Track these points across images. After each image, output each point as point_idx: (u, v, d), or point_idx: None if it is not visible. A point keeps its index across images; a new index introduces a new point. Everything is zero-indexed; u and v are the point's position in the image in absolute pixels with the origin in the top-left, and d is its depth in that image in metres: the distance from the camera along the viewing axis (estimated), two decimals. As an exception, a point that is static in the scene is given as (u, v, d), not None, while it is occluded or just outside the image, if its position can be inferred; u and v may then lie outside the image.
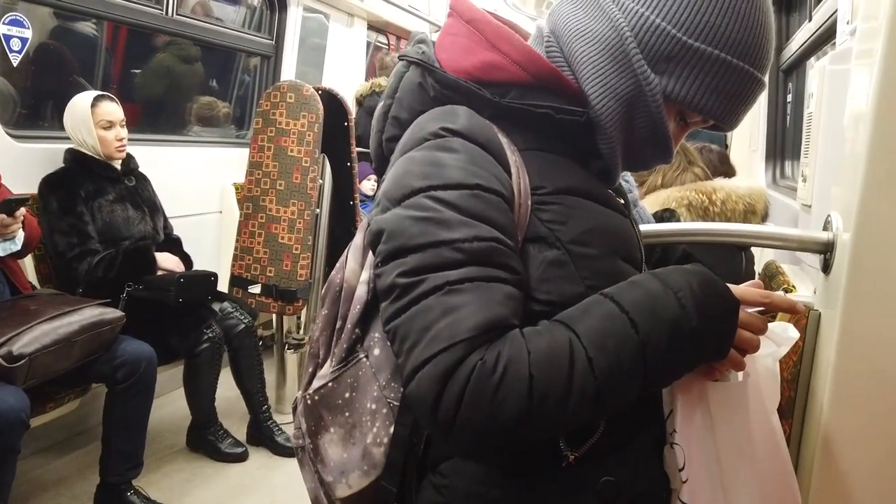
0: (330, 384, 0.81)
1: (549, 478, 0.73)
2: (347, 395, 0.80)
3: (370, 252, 0.78)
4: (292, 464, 2.70)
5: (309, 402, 0.83)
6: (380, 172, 0.82)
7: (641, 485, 0.77)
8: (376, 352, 0.78)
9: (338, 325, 0.82)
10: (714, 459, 0.77)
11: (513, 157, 0.72)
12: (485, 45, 0.74)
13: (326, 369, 0.82)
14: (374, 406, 0.78)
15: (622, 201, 0.84)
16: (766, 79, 0.76)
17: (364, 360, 0.79)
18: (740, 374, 0.76)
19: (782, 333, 0.77)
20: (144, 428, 2.28)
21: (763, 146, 3.13)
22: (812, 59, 2.54)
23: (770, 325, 0.77)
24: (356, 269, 0.82)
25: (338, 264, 0.85)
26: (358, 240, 0.83)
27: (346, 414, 0.80)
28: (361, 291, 0.79)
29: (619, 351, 0.62)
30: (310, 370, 0.86)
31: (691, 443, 0.76)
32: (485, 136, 0.70)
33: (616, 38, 0.72)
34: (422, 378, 0.60)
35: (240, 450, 2.70)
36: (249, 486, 2.54)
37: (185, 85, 3.65)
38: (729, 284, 0.71)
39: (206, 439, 2.69)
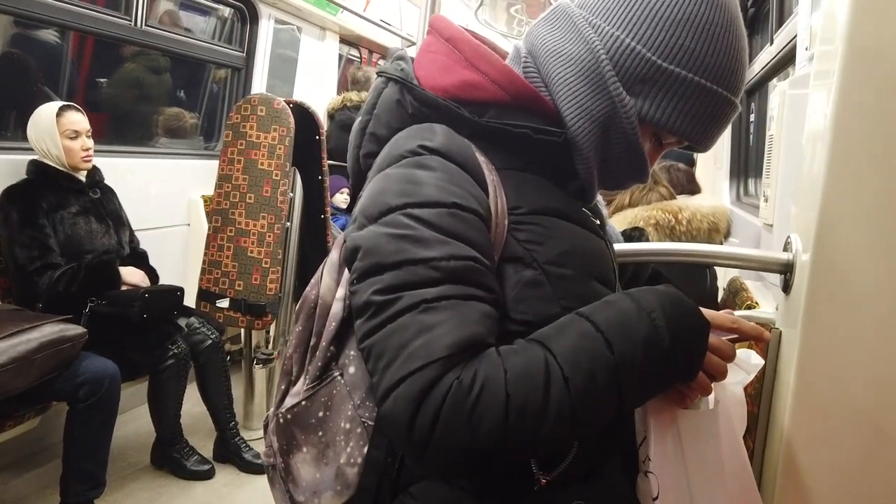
0: (303, 403, 0.80)
1: (520, 501, 0.73)
2: (321, 414, 0.79)
3: (346, 269, 0.78)
4: (260, 481, 2.66)
5: (281, 420, 0.82)
6: (357, 188, 0.82)
7: None
8: (351, 370, 0.77)
9: (312, 343, 0.81)
10: (684, 486, 0.78)
11: (490, 177, 0.72)
12: (463, 64, 0.75)
13: (300, 387, 0.81)
14: (348, 426, 0.77)
15: (598, 222, 0.85)
16: (739, 102, 0.78)
17: (339, 378, 0.78)
18: (711, 401, 0.77)
19: (748, 360, 0.79)
20: (107, 447, 2.22)
21: (727, 164, 3.20)
22: (774, 81, 2.62)
23: (737, 353, 0.79)
24: (332, 285, 0.81)
25: (312, 280, 0.85)
26: (334, 256, 0.83)
27: (320, 433, 0.79)
28: (337, 308, 0.79)
29: (594, 370, 0.62)
30: (282, 388, 0.85)
31: (664, 470, 0.77)
32: (462, 154, 0.71)
33: (592, 60, 0.73)
34: (397, 397, 0.60)
35: (206, 467, 2.65)
36: (216, 503, 2.48)
37: (153, 96, 3.60)
38: (703, 309, 0.72)
39: (171, 457, 2.63)
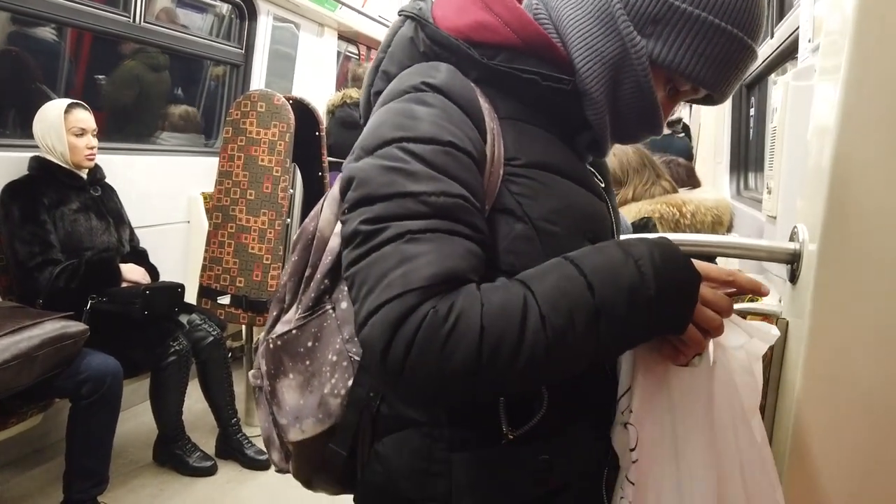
0: (294, 331, 0.81)
1: (489, 454, 0.74)
2: (310, 343, 0.81)
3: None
4: (262, 477, 2.67)
5: (271, 345, 0.83)
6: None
7: (579, 466, 0.78)
8: (343, 305, 0.79)
9: (307, 274, 0.82)
10: (671, 443, 0.77)
11: (491, 124, 0.72)
12: (479, 5, 0.74)
13: (291, 315, 0.83)
14: (334, 358, 0.79)
15: (602, 184, 0.84)
16: (757, 48, 0.75)
17: (330, 311, 0.80)
18: (710, 359, 0.76)
19: (761, 328, 0.77)
20: (110, 444, 2.22)
21: (727, 158, 3.21)
22: (773, 76, 2.62)
23: (752, 322, 0.78)
24: (331, 219, 0.81)
25: (312, 212, 0.85)
26: (335, 190, 0.82)
27: (307, 362, 0.81)
28: (335, 243, 0.79)
29: (573, 312, 0.62)
30: (274, 314, 0.86)
31: (647, 424, 0.76)
32: (464, 96, 0.70)
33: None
34: (374, 324, 0.60)
35: (208, 463, 2.65)
36: (218, 500, 2.49)
37: (153, 93, 3.59)
38: (698, 261, 0.71)
39: (173, 453, 2.63)
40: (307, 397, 0.81)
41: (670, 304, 0.67)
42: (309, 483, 0.89)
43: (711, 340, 0.75)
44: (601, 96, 0.74)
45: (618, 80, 0.74)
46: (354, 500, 0.85)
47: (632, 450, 0.75)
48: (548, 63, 0.74)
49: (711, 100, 0.80)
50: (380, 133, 0.68)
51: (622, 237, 0.73)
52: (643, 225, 1.67)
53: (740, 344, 0.78)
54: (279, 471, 0.90)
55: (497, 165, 0.71)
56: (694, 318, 0.69)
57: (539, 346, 0.61)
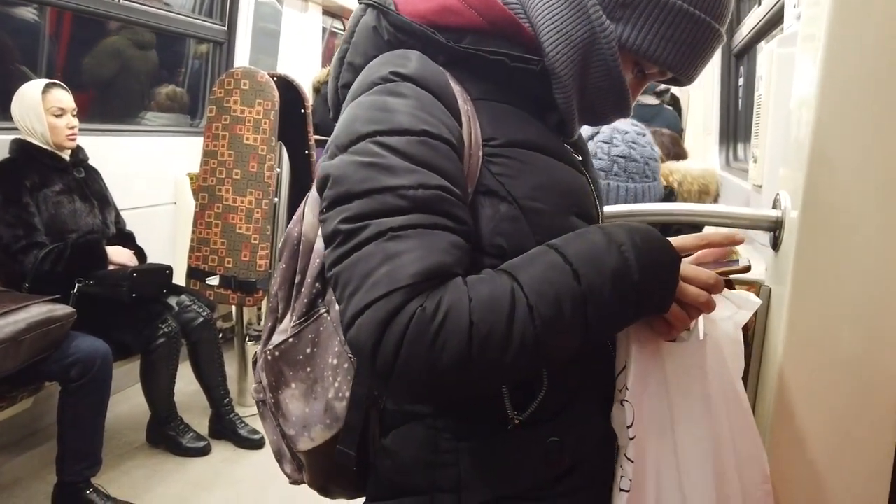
0: (290, 340, 0.80)
1: (496, 441, 0.73)
2: (308, 350, 0.80)
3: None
4: (256, 456, 2.68)
5: (269, 357, 0.82)
6: (338, 120, 0.80)
7: (589, 444, 0.78)
8: (338, 307, 0.77)
9: (297, 280, 0.81)
10: (667, 419, 0.77)
11: (465, 106, 0.71)
12: None
13: (286, 324, 0.82)
14: (335, 361, 0.78)
15: (580, 157, 0.83)
16: (724, 31, 0.75)
17: (325, 315, 0.79)
18: (701, 333, 0.77)
19: (745, 298, 0.78)
20: (101, 425, 2.22)
21: (717, 129, 3.20)
22: (762, 43, 2.60)
23: (733, 292, 0.78)
24: (314, 222, 0.80)
25: (295, 217, 0.84)
26: (314, 192, 0.81)
27: (308, 369, 0.80)
28: (321, 245, 0.78)
29: (560, 300, 0.62)
30: (269, 325, 0.85)
31: (643, 400, 0.76)
32: (436, 82, 0.69)
33: None
34: (361, 324, 0.60)
35: (202, 444, 2.66)
36: (213, 480, 2.50)
37: (138, 71, 3.53)
38: (670, 238, 0.72)
39: (166, 434, 2.64)
40: (312, 404, 0.80)
41: (653, 286, 0.67)
42: (325, 490, 0.88)
43: (702, 315, 0.75)
44: (569, 79, 0.74)
45: (586, 64, 0.74)
46: (367, 496, 0.84)
47: (629, 427, 0.75)
48: (515, 44, 0.73)
49: (678, 80, 0.80)
50: (353, 128, 0.67)
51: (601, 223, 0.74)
52: (666, 194, 1.65)
53: (728, 315, 0.78)
54: (293, 482, 0.89)
55: (475, 148, 0.70)
56: (678, 296, 0.70)
57: (528, 337, 0.61)
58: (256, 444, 2.71)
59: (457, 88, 0.71)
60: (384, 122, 0.66)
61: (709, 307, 0.72)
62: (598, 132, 1.42)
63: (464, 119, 0.70)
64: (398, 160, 0.64)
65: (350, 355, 0.76)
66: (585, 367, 0.77)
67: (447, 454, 0.73)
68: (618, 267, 0.65)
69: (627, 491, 0.74)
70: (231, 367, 2.94)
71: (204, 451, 2.65)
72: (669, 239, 0.71)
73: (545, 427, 0.74)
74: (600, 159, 1.39)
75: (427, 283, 0.60)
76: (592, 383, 0.80)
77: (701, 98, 3.62)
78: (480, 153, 0.70)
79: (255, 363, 0.87)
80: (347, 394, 0.77)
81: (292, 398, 0.81)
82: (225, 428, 2.75)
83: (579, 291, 0.63)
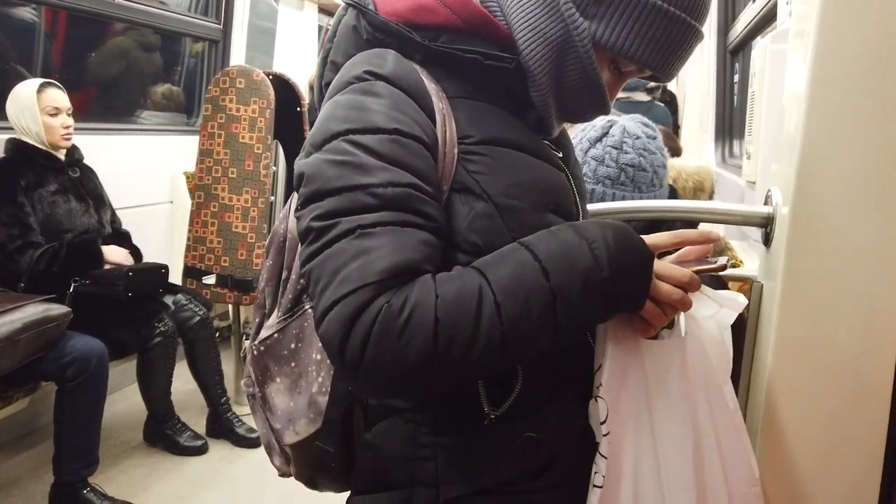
0: (276, 335, 0.82)
1: (473, 436, 0.74)
2: (293, 345, 0.81)
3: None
4: (254, 455, 2.68)
5: (255, 352, 0.84)
6: None
7: (567, 441, 0.78)
8: None
9: (283, 276, 0.82)
10: (645, 415, 0.77)
11: (439, 104, 0.71)
12: None
13: (273, 319, 0.83)
14: (319, 356, 0.79)
15: (560, 154, 0.83)
16: (703, 28, 0.75)
17: (310, 311, 0.80)
18: (682, 330, 0.77)
19: (730, 298, 0.78)
20: (98, 425, 2.23)
21: (712, 126, 3.20)
22: (758, 39, 2.60)
23: (717, 291, 0.78)
24: None
25: (281, 214, 0.85)
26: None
27: (292, 364, 0.81)
28: None
29: (528, 298, 0.62)
30: (257, 320, 0.87)
31: (620, 397, 0.76)
32: (409, 80, 0.70)
33: None
34: (330, 320, 0.61)
35: (199, 442, 2.66)
36: (210, 478, 2.50)
37: (141, 72, 3.53)
38: (644, 236, 0.72)
39: (164, 433, 2.64)
40: (297, 399, 0.81)
41: (624, 283, 0.67)
42: (313, 483, 0.89)
43: (682, 312, 0.75)
44: (544, 77, 0.74)
45: (561, 62, 0.74)
46: (351, 489, 0.85)
47: (602, 423, 0.75)
48: (490, 42, 0.73)
49: (657, 78, 0.80)
50: (327, 127, 0.68)
51: (579, 221, 0.73)
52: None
53: (710, 314, 0.78)
54: (282, 475, 0.90)
55: (451, 145, 0.70)
56: (652, 294, 0.70)
57: (495, 334, 0.61)
58: (254, 443, 2.71)
59: (432, 87, 0.71)
60: (357, 120, 0.66)
61: (684, 305, 0.72)
62: (606, 134, 1.35)
63: (438, 117, 0.70)
64: (370, 158, 0.64)
65: None
66: (563, 363, 0.77)
67: (425, 448, 0.74)
68: (588, 265, 0.65)
69: (601, 487, 0.74)
70: (228, 366, 2.94)
71: (201, 450, 2.65)
72: (643, 237, 0.71)
73: (521, 423, 0.74)
74: (608, 166, 1.33)
75: (395, 280, 0.61)
76: (571, 380, 0.80)
77: (697, 95, 3.62)
78: (456, 151, 0.71)
79: (244, 358, 0.89)
80: (330, 388, 0.78)
81: (278, 392, 0.82)
82: (222, 426, 2.75)
83: (548, 289, 0.63)
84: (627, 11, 0.71)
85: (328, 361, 0.78)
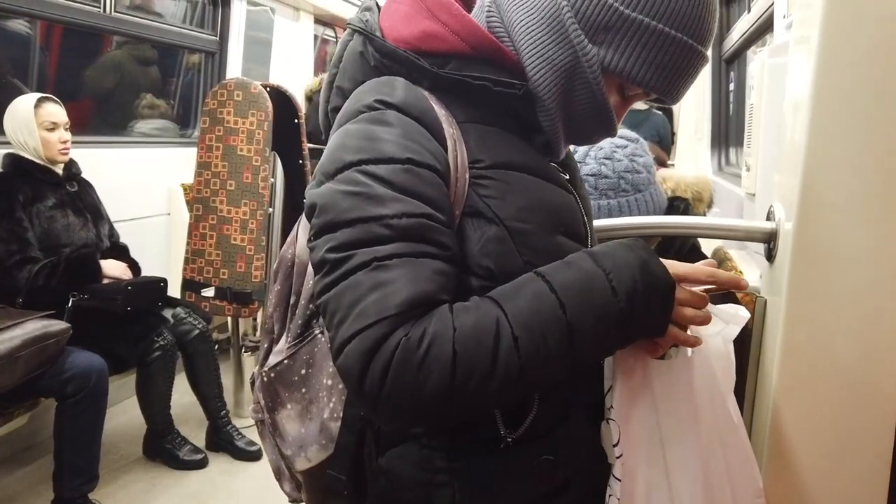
0: (286, 361, 0.82)
1: (489, 459, 0.74)
2: (303, 371, 0.81)
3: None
4: (254, 468, 2.67)
5: (265, 378, 0.84)
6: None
7: (580, 461, 0.79)
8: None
9: (292, 301, 0.82)
10: (656, 436, 0.78)
11: (450, 130, 0.71)
12: (425, 14, 0.73)
13: (282, 345, 0.83)
14: (329, 382, 0.79)
15: (567, 176, 0.84)
16: (709, 52, 0.76)
17: (319, 336, 0.80)
18: (689, 350, 0.77)
19: (733, 313, 0.78)
20: (98, 440, 2.21)
21: (708, 134, 3.21)
22: (753, 48, 2.62)
23: (720, 305, 0.79)
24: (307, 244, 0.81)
25: (289, 239, 0.85)
26: (305, 217, 0.83)
27: (303, 390, 0.81)
28: None
29: (545, 332, 0.63)
30: (265, 346, 0.87)
31: (630, 419, 0.77)
32: (420, 108, 0.70)
33: (553, 7, 0.71)
34: (349, 353, 0.61)
35: (199, 456, 2.65)
36: (211, 492, 2.49)
37: (137, 86, 3.53)
38: (675, 262, 0.72)
39: (163, 447, 2.62)
40: (308, 425, 0.81)
41: (644, 314, 0.67)
42: None
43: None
44: (553, 103, 0.74)
45: (569, 87, 0.74)
46: None
47: (615, 445, 0.76)
48: (499, 68, 0.74)
49: (662, 101, 0.80)
50: (338, 156, 0.68)
51: (598, 245, 0.73)
52: (676, 204, 1.65)
53: (717, 331, 0.79)
54: (293, 501, 0.90)
55: (462, 171, 0.70)
56: (672, 318, 0.71)
57: (512, 367, 0.61)
58: (254, 456, 2.70)
59: (442, 113, 0.71)
60: (369, 150, 0.66)
61: (704, 324, 0.73)
62: (591, 149, 1.40)
63: (449, 143, 0.70)
64: (383, 189, 0.64)
65: None
66: (576, 384, 0.78)
67: (442, 474, 0.74)
68: (605, 297, 0.65)
69: None
70: (227, 379, 2.93)
71: (201, 464, 2.63)
72: (675, 263, 0.72)
73: (537, 445, 0.75)
74: (606, 177, 1.38)
75: (413, 312, 0.61)
76: (584, 400, 0.80)
77: (692, 103, 3.64)
78: (467, 176, 0.71)
79: (253, 384, 0.88)
80: (343, 414, 0.78)
81: (288, 419, 0.82)
82: (222, 440, 2.74)
83: (565, 322, 0.63)
84: (636, 38, 0.71)
85: (340, 387, 0.78)
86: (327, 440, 0.79)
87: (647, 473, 0.77)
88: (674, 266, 0.71)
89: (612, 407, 0.76)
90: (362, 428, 0.78)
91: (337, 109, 0.76)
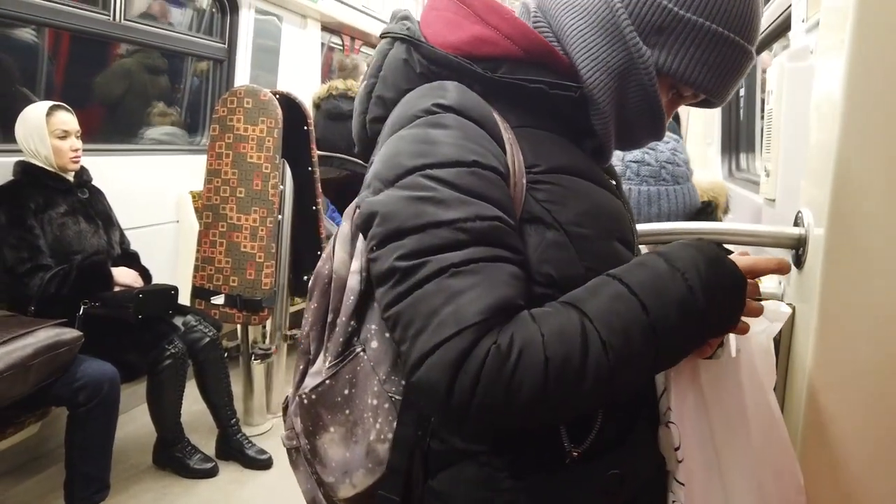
0: (327, 381, 0.77)
1: (554, 476, 0.72)
2: (347, 391, 0.77)
3: (359, 240, 0.76)
4: (264, 477, 2.66)
5: (305, 401, 0.79)
6: (365, 156, 0.79)
7: (644, 474, 0.77)
8: (374, 344, 0.75)
9: (330, 319, 0.78)
10: (708, 437, 0.77)
11: (506, 134, 0.70)
12: (474, 19, 0.72)
13: (320, 365, 0.79)
14: (375, 402, 0.75)
15: (613, 182, 0.83)
16: (754, 51, 0.76)
17: (361, 353, 0.76)
18: (733, 350, 0.77)
19: (776, 309, 0.78)
20: (109, 449, 2.21)
21: (718, 140, 3.20)
22: (764, 54, 2.61)
23: (764, 303, 0.78)
24: (345, 258, 0.78)
25: (324, 255, 0.82)
26: (345, 228, 0.80)
27: (347, 412, 0.77)
28: (354, 282, 0.76)
29: (630, 333, 0.62)
30: (300, 367, 0.83)
31: (685, 421, 0.76)
32: (478, 111, 0.69)
33: (607, 10, 0.71)
34: (432, 364, 0.59)
35: (209, 465, 2.63)
36: (221, 501, 2.48)
37: (147, 94, 3.54)
38: (737, 256, 0.72)
39: (173, 456, 2.61)
40: (353, 448, 0.76)
41: (721, 310, 0.67)
42: None
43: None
44: (607, 105, 0.74)
45: (623, 89, 0.74)
46: None
47: (676, 449, 0.75)
48: (551, 71, 0.73)
49: (709, 102, 0.80)
50: (398, 162, 0.66)
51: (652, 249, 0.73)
52: (703, 207, 1.74)
53: (762, 329, 0.78)
54: None
55: (519, 175, 0.69)
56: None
57: (602, 371, 0.60)
58: (264, 465, 2.68)
59: (497, 117, 0.71)
60: (431, 154, 0.65)
61: (759, 314, 0.73)
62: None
63: (507, 147, 0.69)
64: (450, 192, 0.63)
65: (390, 394, 0.74)
66: (635, 393, 0.76)
67: (506, 493, 0.71)
68: (683, 296, 0.64)
69: None
70: (237, 387, 2.92)
71: (211, 473, 2.62)
72: (739, 258, 0.71)
73: (604, 459, 0.73)
74: (649, 165, 1.48)
75: (496, 319, 0.60)
76: (643, 408, 0.79)
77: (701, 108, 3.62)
78: (524, 180, 0.70)
79: (285, 409, 0.84)
80: (390, 435, 0.74)
81: (331, 443, 0.78)
82: (232, 448, 2.72)
83: (647, 322, 0.62)
84: (689, 39, 0.71)
85: (385, 406, 0.74)
86: (374, 463, 0.75)
87: (703, 476, 0.76)
88: (739, 261, 0.71)
89: (669, 409, 0.75)
90: (412, 448, 0.74)
91: (377, 120, 0.75)
